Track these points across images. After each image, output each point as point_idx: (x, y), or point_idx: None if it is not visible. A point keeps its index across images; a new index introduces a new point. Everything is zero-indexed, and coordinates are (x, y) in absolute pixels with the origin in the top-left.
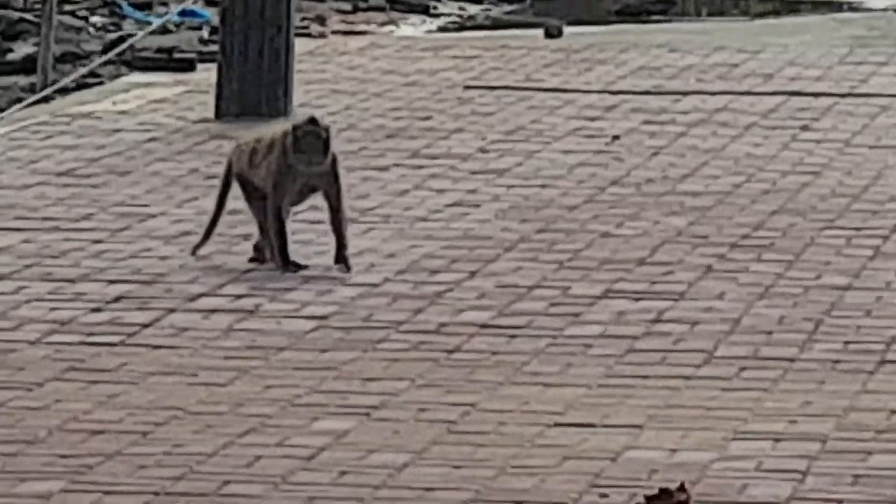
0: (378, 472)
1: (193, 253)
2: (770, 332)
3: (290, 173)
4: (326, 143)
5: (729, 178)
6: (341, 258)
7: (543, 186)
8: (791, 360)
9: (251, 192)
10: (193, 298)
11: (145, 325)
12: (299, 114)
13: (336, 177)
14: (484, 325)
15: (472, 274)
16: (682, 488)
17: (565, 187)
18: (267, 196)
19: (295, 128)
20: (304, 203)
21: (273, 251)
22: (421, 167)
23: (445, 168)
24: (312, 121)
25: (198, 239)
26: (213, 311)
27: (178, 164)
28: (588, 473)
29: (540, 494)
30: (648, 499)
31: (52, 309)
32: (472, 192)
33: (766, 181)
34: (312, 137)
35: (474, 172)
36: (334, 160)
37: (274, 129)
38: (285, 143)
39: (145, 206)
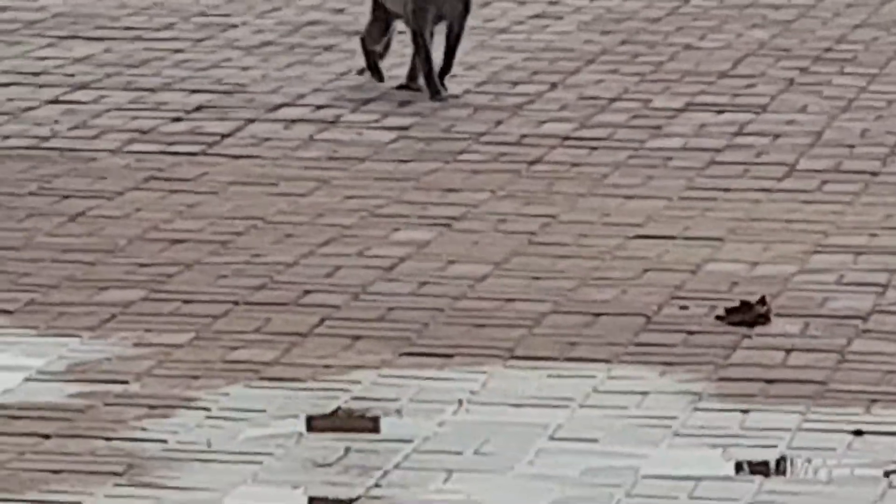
0: (458, 282)
1: (361, 72)
2: (852, 146)
3: (429, 1)
4: None
5: None
6: (442, 78)
7: None
8: (873, 173)
9: (377, 12)
10: (274, 108)
11: (226, 135)
12: None
13: (468, 1)
14: (565, 137)
15: (554, 86)
16: (762, 301)
17: None
18: (395, 18)
19: None
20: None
21: (422, 78)
22: None
23: None
24: None
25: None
26: (294, 121)
27: None
28: (668, 285)
29: (620, 306)
30: (729, 311)
31: (133, 118)
32: (554, 3)
33: None
34: None
35: None
36: None
37: None
38: None
39: (227, 15)
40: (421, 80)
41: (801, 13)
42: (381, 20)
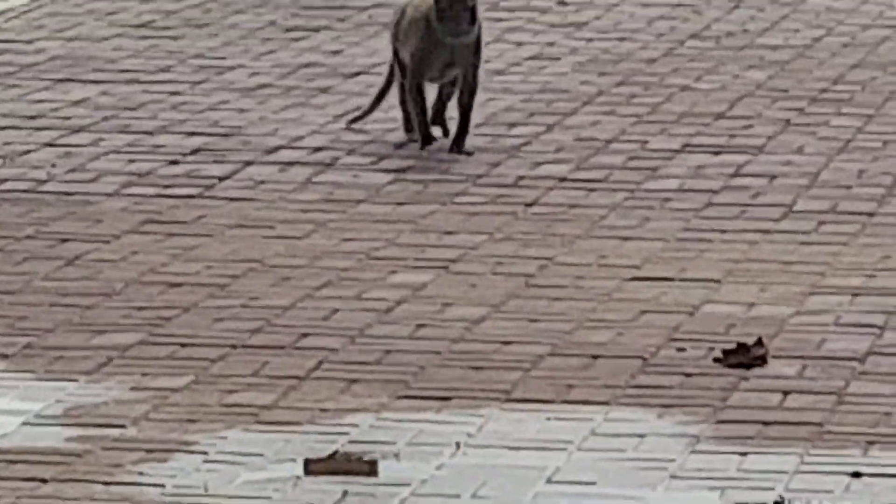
0: (455, 325)
1: (352, 123)
2: (849, 187)
3: (434, 45)
4: (473, 12)
5: (809, 32)
6: (460, 144)
7: (622, 39)
8: (870, 214)
9: (400, 64)
10: (271, 151)
11: (223, 178)
12: None
13: (478, 50)
14: (562, 179)
15: (550, 127)
16: (759, 342)
17: (644, 40)
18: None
19: None
20: (445, 79)
21: (413, 126)
22: (500, 20)
23: (524, 21)
24: None
25: (357, 112)
26: (291, 163)
27: (256, 17)
28: (665, 327)
29: (617, 348)
30: (726, 353)
31: (130, 161)
32: (551, 45)
33: (846, 35)
34: (459, 6)
35: (553, 25)
36: (478, 33)
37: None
38: (429, 14)
39: (223, 58)
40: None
41: (797, 53)
42: (403, 72)
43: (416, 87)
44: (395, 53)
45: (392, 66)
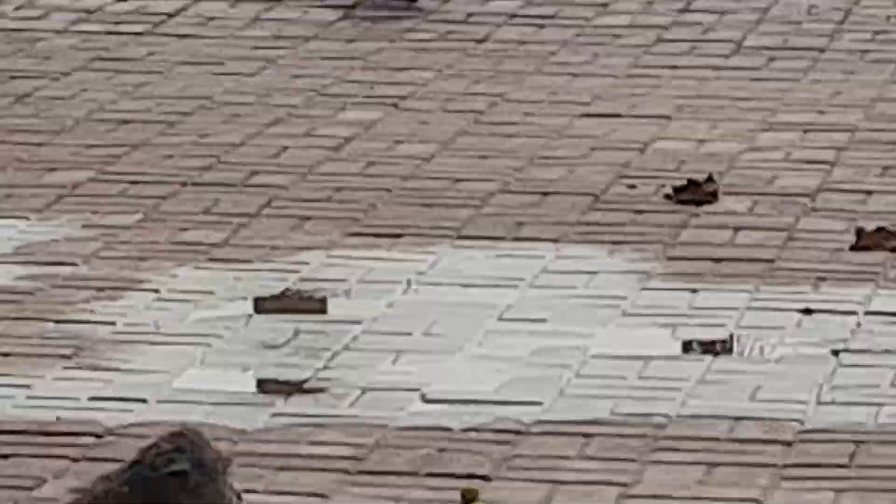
0: (405, 162)
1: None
2: (799, 22)
3: None
4: None
5: None
6: None
7: None
8: (820, 49)
9: None
10: None
11: (172, 14)
12: None
13: None
14: (512, 15)
15: None
16: (710, 179)
17: None
18: None
19: None
20: None
21: None
22: None
23: None
24: None
25: None
26: None
27: None
28: (615, 164)
29: (567, 185)
30: (676, 189)
31: None
32: None
33: None
34: None
35: None
36: None
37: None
38: None
39: None
40: None
41: None
42: None
43: None
44: None
45: None
